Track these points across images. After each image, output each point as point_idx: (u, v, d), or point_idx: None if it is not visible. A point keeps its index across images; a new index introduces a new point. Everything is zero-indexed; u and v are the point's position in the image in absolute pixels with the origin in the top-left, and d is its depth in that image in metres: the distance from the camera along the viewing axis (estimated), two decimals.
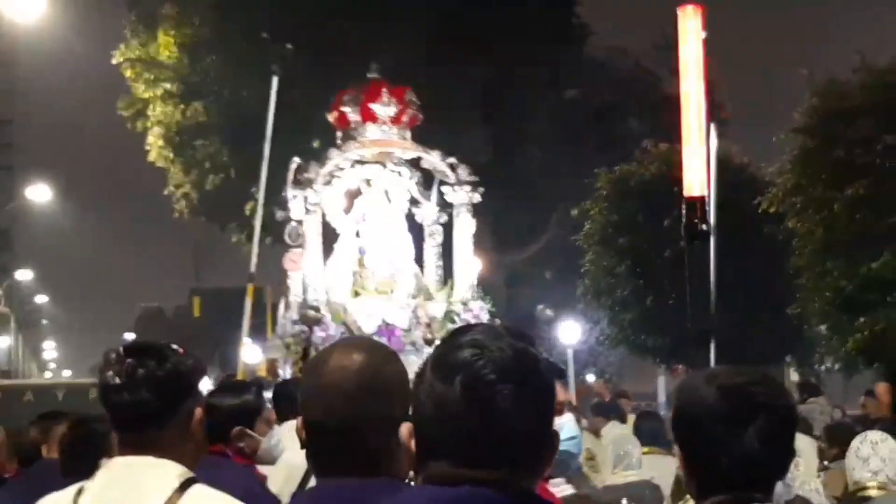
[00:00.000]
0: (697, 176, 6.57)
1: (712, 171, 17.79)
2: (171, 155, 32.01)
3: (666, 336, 26.32)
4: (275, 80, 18.74)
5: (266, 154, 18.87)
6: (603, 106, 33.52)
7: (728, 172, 18.70)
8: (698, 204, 6.52)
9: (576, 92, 34.45)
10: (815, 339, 25.15)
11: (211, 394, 5.97)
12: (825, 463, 9.10)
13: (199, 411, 3.36)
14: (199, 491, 3.18)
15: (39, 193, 40.37)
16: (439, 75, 25.51)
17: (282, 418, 6.70)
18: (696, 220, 6.44)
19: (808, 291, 21.81)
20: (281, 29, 29.35)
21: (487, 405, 1.94)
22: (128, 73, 32.49)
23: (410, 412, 2.06)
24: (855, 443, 6.27)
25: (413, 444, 2.03)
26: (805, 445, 9.08)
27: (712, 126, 17.42)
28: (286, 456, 5.98)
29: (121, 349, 3.33)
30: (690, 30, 6.58)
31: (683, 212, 6.62)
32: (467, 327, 2.10)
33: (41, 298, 74.61)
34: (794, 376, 29.13)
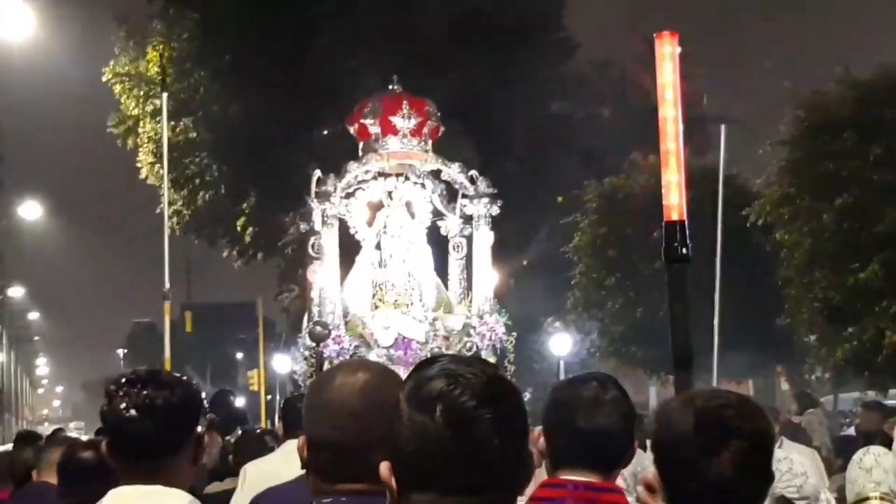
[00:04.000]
0: (676, 201, 6.66)
1: (720, 174, 17.91)
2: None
3: (656, 347, 26.41)
4: None
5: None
6: (589, 118, 33.63)
7: (712, 186, 18.83)
8: (678, 228, 6.61)
9: (562, 104, 34.55)
10: (805, 349, 25.28)
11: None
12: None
13: (203, 435, 3.45)
14: None
15: (30, 210, 40.35)
16: (423, 88, 25.61)
17: (289, 434, 6.73)
18: (675, 245, 6.53)
19: (796, 302, 21.94)
20: (266, 45, 29.43)
21: (469, 432, 1.98)
22: (117, 90, 32.58)
23: (389, 449, 2.09)
24: (858, 454, 6.30)
25: (393, 481, 2.07)
26: (805, 458, 9.13)
27: (722, 127, 17.52)
28: (285, 473, 6.02)
29: (124, 379, 3.36)
30: (667, 56, 6.68)
31: (663, 235, 6.74)
32: (433, 359, 2.12)
33: (33, 315, 74.53)
34: (784, 386, 29.24)
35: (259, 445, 8.95)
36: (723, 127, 17.37)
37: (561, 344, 32.21)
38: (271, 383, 39.57)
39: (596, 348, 30.12)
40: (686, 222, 6.57)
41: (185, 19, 31.83)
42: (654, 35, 6.85)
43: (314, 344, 15.93)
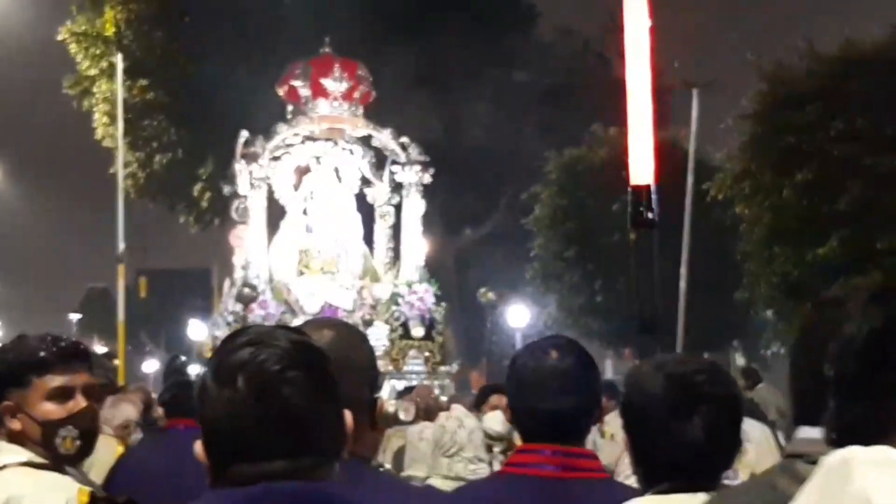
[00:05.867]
0: (644, 164, 6.53)
1: (692, 140, 17.75)
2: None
3: (614, 320, 26.40)
4: None
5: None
6: (551, 88, 33.44)
7: (675, 158, 18.72)
8: (644, 192, 6.48)
9: (524, 73, 34.35)
10: (762, 325, 25.29)
11: None
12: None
13: None
14: None
15: None
16: (386, 54, 25.35)
17: None
18: (641, 209, 6.40)
19: (754, 277, 21.93)
20: (228, 4, 29.09)
21: (274, 395, 1.94)
22: (73, 49, 32.11)
23: (202, 429, 2.02)
24: None
25: (206, 459, 2.00)
26: (758, 433, 9.05)
27: (694, 91, 17.36)
28: None
29: None
30: (636, 15, 6.52)
31: (629, 199, 6.60)
32: (238, 332, 2.08)
33: None
34: (740, 361, 29.31)
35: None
36: (695, 91, 17.19)
37: (518, 316, 32.14)
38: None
39: (553, 320, 30.08)
40: (652, 187, 6.44)
41: None
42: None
43: (240, 308, 15.73)
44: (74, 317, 67.93)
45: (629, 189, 6.69)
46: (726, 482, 2.86)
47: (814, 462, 1.89)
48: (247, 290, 15.54)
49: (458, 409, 9.60)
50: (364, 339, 2.88)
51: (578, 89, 32.29)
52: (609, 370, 36.37)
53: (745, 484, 2.44)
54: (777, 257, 20.76)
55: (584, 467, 3.25)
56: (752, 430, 8.98)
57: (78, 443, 3.53)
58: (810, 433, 2.12)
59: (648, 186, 6.66)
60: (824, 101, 19.83)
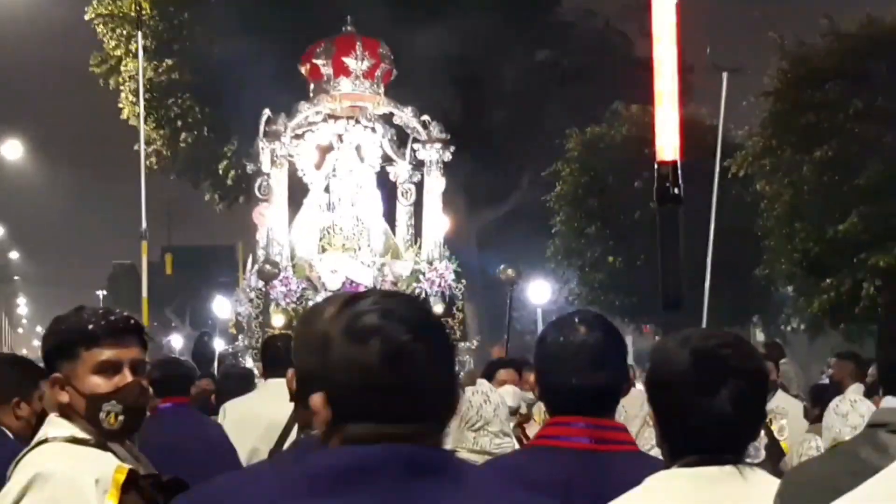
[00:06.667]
0: (670, 140, 6.65)
1: (720, 123, 17.83)
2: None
3: (634, 296, 26.54)
4: None
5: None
6: (573, 67, 33.52)
7: (697, 135, 18.83)
8: (670, 168, 6.59)
9: (546, 53, 34.42)
10: (782, 301, 25.40)
11: None
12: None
13: None
14: None
15: (11, 150, 40.13)
16: (409, 33, 25.43)
17: (269, 374, 6.67)
18: (667, 185, 6.52)
19: (775, 253, 22.03)
20: None
21: (406, 362, 2.06)
22: (100, 29, 32.34)
23: (322, 381, 2.12)
24: (834, 402, 6.35)
25: (327, 411, 2.10)
26: (791, 406, 9.20)
27: (724, 75, 17.45)
28: (264, 412, 6.01)
29: None
30: None
31: (655, 175, 6.69)
32: (363, 294, 2.19)
33: (14, 255, 74.33)
34: (759, 336, 29.41)
35: (242, 384, 8.93)
36: (724, 75, 17.26)
37: (540, 292, 32.28)
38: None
39: (575, 296, 30.23)
40: (678, 163, 6.54)
41: None
42: None
43: (262, 284, 15.85)
44: (101, 293, 68.30)
45: (655, 165, 6.79)
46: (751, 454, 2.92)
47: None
48: (268, 266, 15.65)
49: (483, 384, 9.76)
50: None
51: (600, 68, 32.33)
52: (630, 345, 36.49)
53: (828, 452, 2.50)
54: (797, 234, 20.85)
55: (617, 440, 3.33)
56: (789, 405, 9.16)
57: (122, 418, 3.47)
58: (895, 403, 2.15)
59: (675, 162, 6.75)
60: (845, 79, 19.91)
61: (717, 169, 17.32)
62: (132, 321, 3.60)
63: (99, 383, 3.44)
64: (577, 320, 3.42)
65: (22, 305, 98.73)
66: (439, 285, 16.63)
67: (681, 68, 7.15)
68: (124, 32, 31.80)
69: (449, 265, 17.09)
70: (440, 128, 17.36)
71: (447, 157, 17.35)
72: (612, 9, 35.37)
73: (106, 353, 3.45)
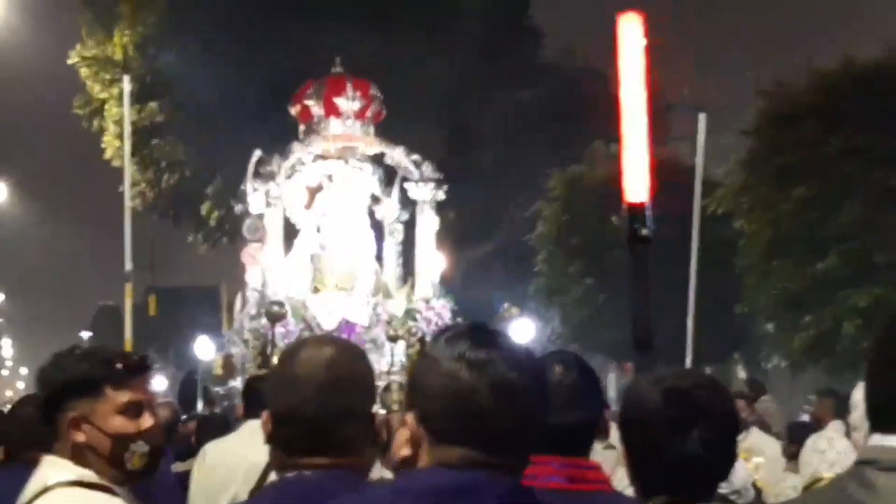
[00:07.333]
0: (639, 181, 6.76)
1: (699, 163, 17.97)
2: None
3: (617, 334, 26.58)
4: None
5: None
6: (554, 107, 33.71)
7: (676, 175, 18.93)
8: (639, 209, 6.69)
9: (529, 92, 34.64)
10: (763, 338, 25.47)
11: None
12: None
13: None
14: None
15: None
16: (394, 73, 25.58)
17: (250, 414, 6.63)
18: (636, 226, 6.63)
19: (754, 290, 22.11)
20: (235, 25, 29.42)
21: (510, 399, 2.18)
22: (84, 73, 32.47)
23: (415, 400, 2.25)
24: (811, 438, 6.41)
25: (420, 430, 2.23)
26: (768, 445, 9.23)
27: (701, 116, 17.60)
28: (244, 453, 6.05)
29: None
30: (631, 37, 6.77)
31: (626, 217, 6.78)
32: (450, 328, 2.32)
33: None
34: (741, 374, 29.47)
35: (221, 427, 9.00)
36: (701, 116, 17.40)
37: (522, 331, 32.30)
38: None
39: (557, 335, 30.24)
40: (647, 203, 6.63)
41: (152, 3, 31.74)
42: (617, 14, 6.91)
43: (262, 325, 15.73)
44: (86, 334, 68.00)
45: (623, 206, 6.89)
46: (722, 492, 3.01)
47: (884, 468, 2.10)
48: (275, 307, 15.62)
49: None
50: (363, 355, 2.92)
51: (580, 107, 32.54)
52: (612, 384, 36.47)
53: (816, 489, 2.52)
54: (777, 271, 20.95)
55: (591, 479, 3.36)
56: (765, 444, 9.20)
57: (146, 460, 3.41)
58: (884, 440, 2.20)
59: (643, 204, 6.84)
60: (823, 118, 20.04)
61: (698, 207, 17.42)
62: (147, 361, 3.55)
63: (124, 424, 3.37)
64: (553, 361, 3.46)
65: (6, 347, 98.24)
66: (436, 323, 16.56)
67: (653, 109, 7.22)
68: (107, 77, 31.91)
69: (446, 303, 17.05)
70: (433, 167, 17.37)
71: (440, 195, 17.35)
72: (593, 49, 35.64)
73: (130, 394, 3.39)
